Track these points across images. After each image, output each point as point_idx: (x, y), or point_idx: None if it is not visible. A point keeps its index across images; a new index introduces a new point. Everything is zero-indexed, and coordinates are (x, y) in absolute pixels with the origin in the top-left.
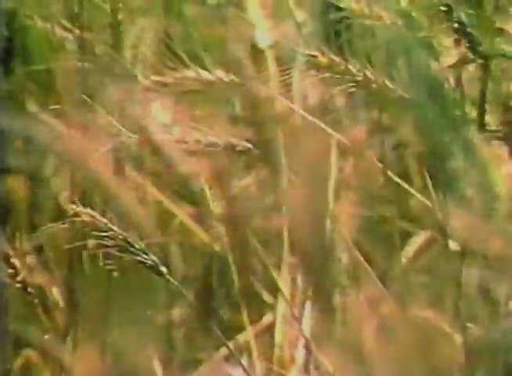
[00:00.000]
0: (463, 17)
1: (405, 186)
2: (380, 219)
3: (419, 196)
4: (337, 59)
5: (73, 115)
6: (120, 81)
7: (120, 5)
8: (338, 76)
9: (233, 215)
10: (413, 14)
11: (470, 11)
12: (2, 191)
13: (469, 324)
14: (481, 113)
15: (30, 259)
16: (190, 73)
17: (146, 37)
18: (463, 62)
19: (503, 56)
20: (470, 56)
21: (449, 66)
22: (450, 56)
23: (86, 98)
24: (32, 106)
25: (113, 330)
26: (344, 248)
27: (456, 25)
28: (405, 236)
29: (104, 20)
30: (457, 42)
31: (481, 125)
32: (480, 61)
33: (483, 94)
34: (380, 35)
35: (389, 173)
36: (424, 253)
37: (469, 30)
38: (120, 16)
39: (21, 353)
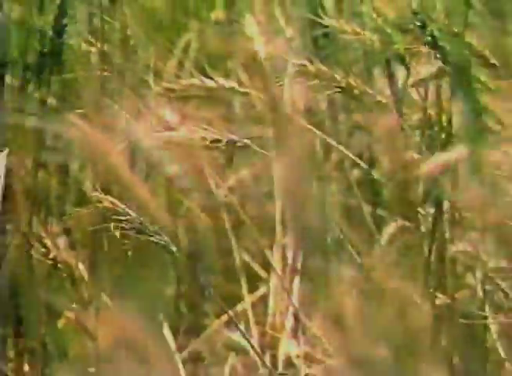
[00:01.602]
0: (435, 32)
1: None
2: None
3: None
4: (323, 68)
5: (96, 117)
6: (135, 87)
7: (129, 23)
8: (324, 83)
9: (232, 202)
10: (388, 30)
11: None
12: (36, 182)
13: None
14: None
15: (60, 240)
16: (195, 80)
17: (156, 49)
18: (436, 74)
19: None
20: (443, 67)
21: (421, 80)
22: (423, 68)
23: (106, 102)
24: (62, 110)
25: (130, 300)
26: (330, 230)
27: (429, 38)
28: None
29: (118, 36)
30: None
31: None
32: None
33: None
34: (359, 48)
35: (365, 167)
36: (399, 235)
37: (441, 43)
38: (129, 32)
39: (54, 320)
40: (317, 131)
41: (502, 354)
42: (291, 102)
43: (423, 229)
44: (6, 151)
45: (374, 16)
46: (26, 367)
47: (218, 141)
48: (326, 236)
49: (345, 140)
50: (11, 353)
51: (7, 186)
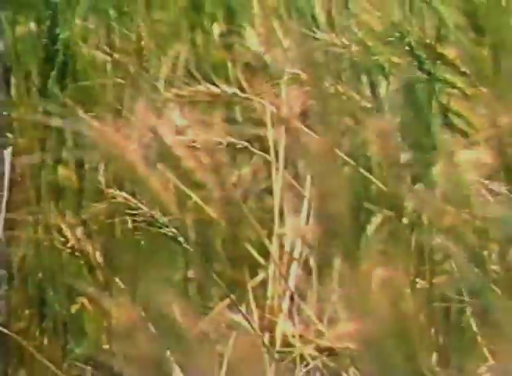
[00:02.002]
0: (413, 43)
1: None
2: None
3: (379, 184)
4: (314, 76)
5: (111, 119)
6: (147, 93)
7: (143, 34)
8: (317, 89)
9: (233, 197)
10: (369, 43)
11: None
12: (56, 178)
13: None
14: None
15: (78, 231)
16: (201, 87)
17: (166, 59)
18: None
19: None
20: (419, 76)
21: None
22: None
23: (120, 107)
24: (80, 112)
25: (141, 284)
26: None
27: (407, 48)
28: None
29: (132, 46)
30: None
31: None
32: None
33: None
34: (347, 58)
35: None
36: (384, 226)
37: (417, 52)
38: (142, 43)
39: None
40: (311, 133)
41: (475, 329)
42: (288, 106)
43: (405, 221)
44: (10, 149)
45: (359, 30)
46: (47, 344)
47: (221, 143)
48: (321, 227)
49: (336, 141)
50: (36, 332)
51: (31, 181)
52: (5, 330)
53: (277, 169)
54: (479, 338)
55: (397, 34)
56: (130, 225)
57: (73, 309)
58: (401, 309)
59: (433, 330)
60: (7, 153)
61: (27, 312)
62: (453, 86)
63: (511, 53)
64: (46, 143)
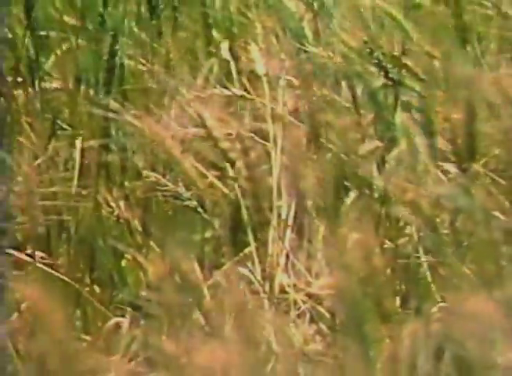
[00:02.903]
0: (380, 56)
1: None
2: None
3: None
4: (305, 82)
5: (149, 115)
6: (174, 95)
7: (170, 49)
8: (307, 92)
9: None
10: (351, 55)
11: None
12: (104, 161)
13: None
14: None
15: (121, 203)
16: (216, 90)
17: (188, 68)
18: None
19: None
20: (386, 82)
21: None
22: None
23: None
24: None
25: (169, 245)
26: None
27: (376, 61)
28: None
29: (162, 59)
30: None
31: None
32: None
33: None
34: (330, 67)
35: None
36: (359, 200)
37: (384, 64)
38: (170, 56)
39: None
40: (302, 126)
41: (430, 279)
42: (283, 106)
43: (375, 195)
44: (80, 139)
45: (340, 45)
46: (98, 290)
47: (231, 134)
48: (308, 200)
49: (322, 133)
50: (89, 281)
51: (85, 164)
52: (67, 279)
53: (276, 154)
54: (432, 286)
55: (367, 50)
56: (160, 198)
57: (118, 264)
58: (371, 265)
59: (397, 281)
60: (78, 142)
61: (82, 265)
62: (413, 89)
63: (459, 64)
64: (98, 134)
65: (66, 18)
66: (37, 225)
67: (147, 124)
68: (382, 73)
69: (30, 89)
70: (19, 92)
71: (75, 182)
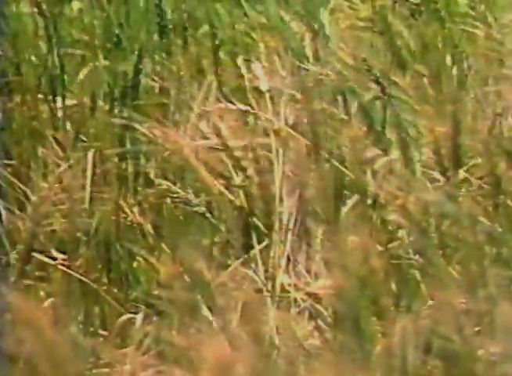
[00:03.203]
0: (378, 73)
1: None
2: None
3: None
4: (306, 97)
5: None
6: (182, 109)
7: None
8: (307, 107)
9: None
10: (344, 73)
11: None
12: (120, 170)
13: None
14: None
15: (135, 209)
16: (222, 105)
17: (198, 84)
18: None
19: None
20: (380, 95)
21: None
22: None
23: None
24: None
25: (180, 247)
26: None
27: (372, 77)
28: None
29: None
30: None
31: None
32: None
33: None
34: (327, 84)
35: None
36: (355, 206)
37: (380, 80)
38: (181, 73)
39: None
40: (302, 138)
41: (420, 281)
42: (284, 118)
43: (369, 202)
44: (92, 151)
45: (338, 63)
46: (114, 289)
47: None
48: (310, 207)
49: (321, 144)
50: (105, 280)
51: (104, 173)
52: (85, 279)
53: (278, 164)
54: (422, 286)
55: (366, 67)
56: (171, 204)
57: (131, 265)
58: (366, 265)
59: (390, 280)
60: (90, 154)
61: (99, 266)
62: (405, 103)
63: (445, 82)
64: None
65: (85, 38)
66: (62, 229)
67: (164, 136)
68: (378, 88)
69: (52, 105)
70: (43, 108)
71: (88, 188)
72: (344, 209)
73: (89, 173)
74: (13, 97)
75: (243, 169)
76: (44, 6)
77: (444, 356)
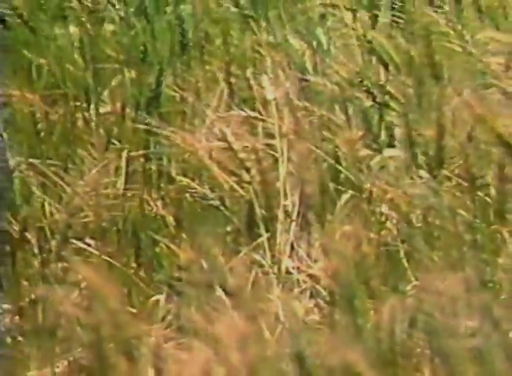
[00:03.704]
0: (370, 85)
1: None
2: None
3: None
4: (307, 104)
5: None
6: (201, 116)
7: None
8: (308, 113)
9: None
10: (341, 83)
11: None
12: (145, 169)
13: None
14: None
15: (158, 202)
16: (234, 112)
17: (213, 94)
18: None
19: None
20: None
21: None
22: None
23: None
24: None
25: (197, 236)
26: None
27: (365, 88)
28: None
29: (192, 86)
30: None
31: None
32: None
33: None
34: (327, 94)
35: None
36: (350, 200)
37: (371, 91)
38: (198, 84)
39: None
40: (304, 140)
41: (406, 265)
42: (288, 124)
43: (364, 196)
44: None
45: (335, 75)
46: (142, 273)
47: (247, 147)
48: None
49: (320, 145)
50: (133, 264)
51: (132, 172)
52: (117, 264)
53: (282, 163)
54: (408, 269)
55: (359, 78)
56: (190, 199)
57: (155, 251)
58: (359, 251)
59: (380, 264)
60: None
61: (128, 252)
62: (394, 110)
63: (429, 92)
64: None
65: (116, 54)
66: (96, 219)
67: (183, 139)
68: (370, 97)
69: (88, 113)
70: (79, 115)
71: (122, 185)
72: (340, 203)
73: (123, 171)
74: (55, 106)
75: (250, 168)
76: (85, 27)
77: (427, 330)
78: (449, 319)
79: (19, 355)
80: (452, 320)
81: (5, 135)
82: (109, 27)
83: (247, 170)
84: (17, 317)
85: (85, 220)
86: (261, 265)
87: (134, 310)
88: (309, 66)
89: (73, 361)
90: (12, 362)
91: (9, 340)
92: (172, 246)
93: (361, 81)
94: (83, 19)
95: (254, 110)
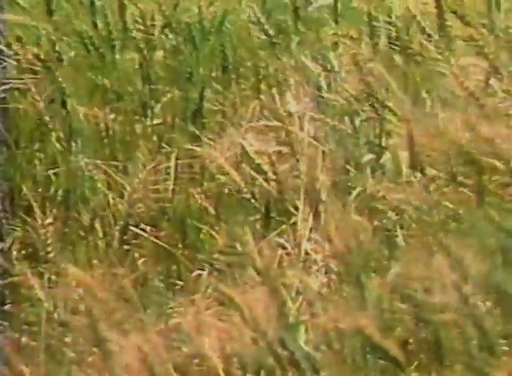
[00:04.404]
0: (374, 102)
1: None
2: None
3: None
4: (322, 116)
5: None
6: (236, 126)
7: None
8: (322, 123)
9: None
10: (351, 99)
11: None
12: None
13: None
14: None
15: (201, 196)
16: (263, 122)
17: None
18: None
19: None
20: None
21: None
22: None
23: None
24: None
25: (233, 223)
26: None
27: (369, 103)
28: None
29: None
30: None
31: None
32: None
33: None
34: (338, 107)
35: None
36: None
37: (374, 105)
38: (235, 99)
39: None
40: (320, 145)
41: (403, 243)
42: (307, 132)
43: (368, 191)
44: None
45: (345, 92)
46: (187, 254)
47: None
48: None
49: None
50: (180, 246)
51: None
52: (167, 246)
53: (302, 164)
54: (405, 250)
55: (364, 95)
56: (227, 193)
57: (200, 235)
58: (365, 236)
59: (382, 247)
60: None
61: (176, 236)
62: (391, 121)
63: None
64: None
65: (166, 75)
66: (150, 210)
67: (221, 144)
68: (373, 110)
69: (144, 123)
70: (136, 125)
71: (171, 182)
72: (350, 197)
73: (172, 171)
74: (117, 118)
75: (276, 167)
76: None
77: (414, 303)
78: (434, 291)
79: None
80: (436, 293)
81: (78, 142)
82: (161, 53)
83: (274, 169)
84: None
85: (141, 210)
86: (285, 248)
87: (181, 283)
88: (324, 85)
89: None
90: None
91: None
92: (212, 232)
93: (365, 97)
94: (141, 46)
95: (279, 120)
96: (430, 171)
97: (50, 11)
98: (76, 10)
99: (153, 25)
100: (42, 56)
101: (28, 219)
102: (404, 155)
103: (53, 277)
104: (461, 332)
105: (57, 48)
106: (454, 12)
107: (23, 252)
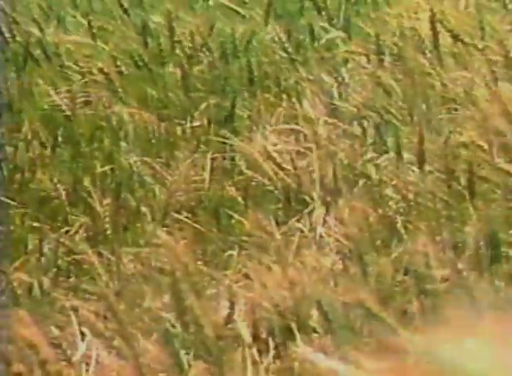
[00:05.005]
0: (378, 107)
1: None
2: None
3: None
4: (334, 121)
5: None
6: (262, 129)
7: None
8: (335, 127)
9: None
10: (359, 106)
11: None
12: (223, 166)
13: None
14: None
15: (232, 188)
16: (286, 126)
17: (270, 115)
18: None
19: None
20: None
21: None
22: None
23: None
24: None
25: (258, 211)
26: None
27: (375, 110)
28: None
29: (255, 110)
30: None
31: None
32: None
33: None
34: (348, 113)
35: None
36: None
37: (379, 111)
38: (261, 108)
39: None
40: (333, 146)
41: (402, 231)
42: (322, 134)
43: (375, 181)
44: (209, 153)
45: (355, 102)
46: (221, 236)
47: (293, 150)
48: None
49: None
50: (215, 230)
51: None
52: (203, 229)
53: (316, 161)
54: (404, 234)
55: (371, 103)
56: (253, 185)
57: (231, 221)
58: (370, 222)
59: (384, 231)
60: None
61: (211, 221)
62: (395, 125)
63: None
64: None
65: (203, 86)
66: (189, 199)
67: (249, 144)
68: (379, 116)
69: (183, 126)
70: (178, 128)
71: (207, 176)
72: (357, 188)
73: (208, 167)
74: (162, 122)
75: (295, 164)
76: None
77: (415, 277)
78: (430, 268)
79: None
80: (433, 270)
81: (129, 143)
82: (199, 68)
83: (293, 165)
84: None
85: (182, 199)
86: (302, 231)
87: (216, 261)
88: (336, 94)
89: None
90: None
91: None
92: (241, 218)
93: (372, 105)
94: (183, 62)
95: (298, 124)
96: (426, 167)
97: (111, 32)
98: (130, 32)
99: (193, 44)
100: (105, 70)
101: (88, 208)
102: (405, 154)
103: (110, 256)
104: (455, 298)
105: (118, 62)
106: (449, 31)
107: (85, 235)
